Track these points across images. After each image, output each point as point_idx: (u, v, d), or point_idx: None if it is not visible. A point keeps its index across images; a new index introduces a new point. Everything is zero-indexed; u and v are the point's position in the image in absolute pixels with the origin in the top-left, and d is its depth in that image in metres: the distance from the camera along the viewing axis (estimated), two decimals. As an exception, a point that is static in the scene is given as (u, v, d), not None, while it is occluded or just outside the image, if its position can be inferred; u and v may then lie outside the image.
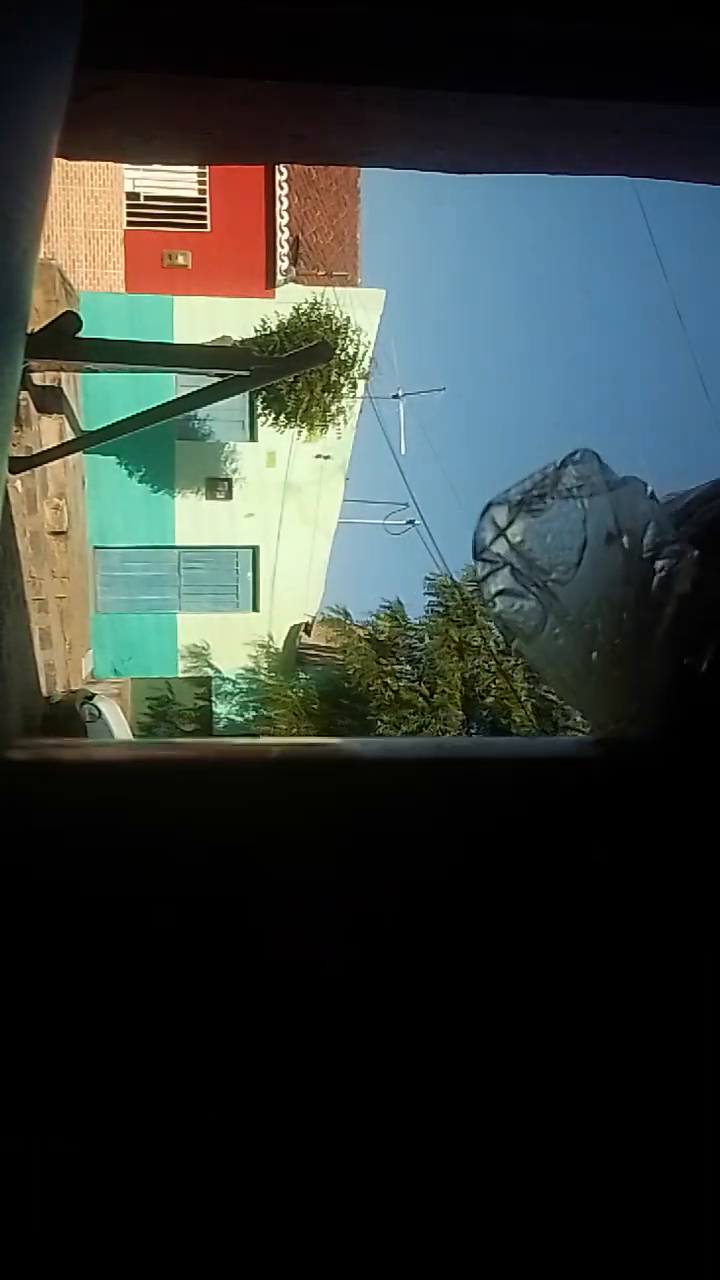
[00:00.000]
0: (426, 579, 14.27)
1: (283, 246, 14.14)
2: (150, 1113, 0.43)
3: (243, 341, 11.92)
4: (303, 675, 14.72)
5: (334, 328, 12.55)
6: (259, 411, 13.63)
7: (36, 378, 7.74)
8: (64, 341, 4.85)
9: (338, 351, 11.94)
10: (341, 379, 12.85)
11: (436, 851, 0.50)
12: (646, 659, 0.61)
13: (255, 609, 15.42)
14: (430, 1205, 0.55)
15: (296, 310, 12.81)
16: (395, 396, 15.74)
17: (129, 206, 13.85)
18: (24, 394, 7.51)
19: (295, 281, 14.10)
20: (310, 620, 15.27)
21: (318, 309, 12.85)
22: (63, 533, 10.10)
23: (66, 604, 10.55)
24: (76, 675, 11.52)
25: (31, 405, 8.07)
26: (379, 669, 13.31)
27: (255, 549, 15.26)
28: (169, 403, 6.38)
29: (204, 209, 14.14)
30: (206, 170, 12.92)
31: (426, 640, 13.74)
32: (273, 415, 13.20)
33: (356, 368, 13.08)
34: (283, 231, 14.12)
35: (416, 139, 1.15)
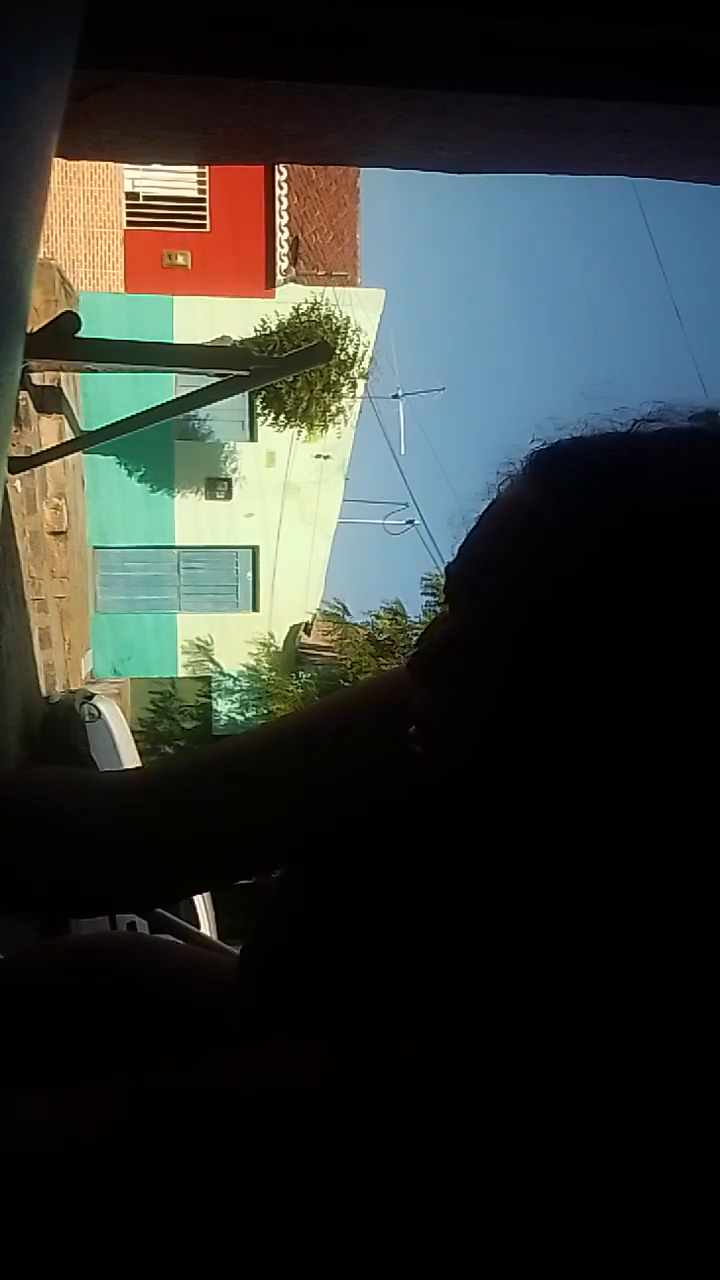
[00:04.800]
0: (423, 579, 14.28)
1: (282, 246, 14.14)
2: None
3: (243, 341, 11.91)
4: (303, 674, 14.73)
5: (334, 328, 12.55)
6: (259, 411, 13.63)
7: (36, 378, 7.73)
8: (63, 341, 4.84)
9: (337, 351, 11.93)
10: (341, 379, 12.84)
11: None
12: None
13: (255, 609, 15.41)
14: None
15: (296, 310, 12.81)
16: (395, 396, 15.75)
17: (129, 206, 13.84)
18: (23, 394, 7.50)
19: (295, 281, 14.10)
20: (310, 620, 15.28)
21: (317, 309, 12.84)
22: (62, 533, 10.09)
23: (66, 604, 10.54)
24: (76, 675, 11.51)
25: (31, 405, 8.06)
26: (379, 667, 13.32)
27: (255, 549, 15.25)
28: (169, 403, 6.37)
29: (204, 209, 14.14)
30: (206, 170, 12.92)
31: (426, 639, 13.72)
32: (272, 415, 13.20)
33: (356, 367, 13.08)
34: (282, 231, 14.12)
35: (416, 139, 1.14)
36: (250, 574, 15.40)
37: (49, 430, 8.91)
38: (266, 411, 13.26)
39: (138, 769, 0.94)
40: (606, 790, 0.55)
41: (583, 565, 0.54)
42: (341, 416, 13.37)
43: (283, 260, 14.18)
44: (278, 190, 13.94)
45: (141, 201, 13.92)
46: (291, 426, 13.25)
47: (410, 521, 14.94)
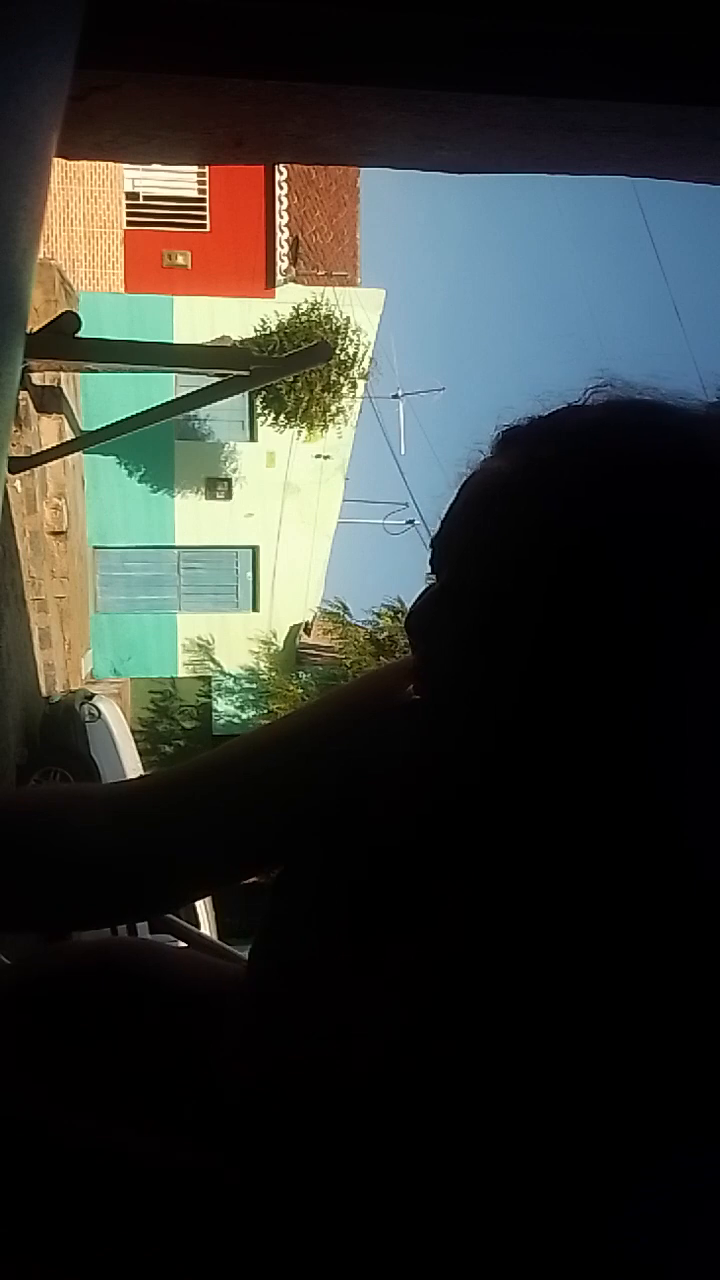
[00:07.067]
0: (426, 578, 14.26)
1: (282, 246, 14.14)
2: None
3: (243, 341, 11.91)
4: (303, 674, 14.73)
5: (334, 328, 12.54)
6: (259, 411, 13.62)
7: (36, 378, 7.73)
8: (63, 341, 4.84)
9: (337, 351, 11.93)
10: (341, 379, 12.84)
11: None
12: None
13: (255, 609, 15.41)
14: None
15: (296, 310, 12.81)
16: (395, 396, 15.74)
17: (129, 206, 13.84)
18: (24, 394, 7.50)
19: (295, 281, 14.09)
20: (310, 619, 15.27)
21: (317, 309, 12.84)
22: (62, 533, 10.09)
23: (66, 604, 10.54)
24: (76, 675, 11.51)
25: (31, 405, 8.06)
26: (379, 666, 13.31)
27: (255, 549, 15.25)
28: (169, 403, 6.37)
29: (204, 209, 14.13)
30: (206, 170, 12.91)
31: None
32: (272, 415, 13.20)
33: (356, 368, 13.07)
34: (282, 231, 14.12)
35: (416, 139, 1.14)
36: (250, 574, 15.40)
37: (49, 430, 8.91)
38: (266, 411, 13.25)
39: (137, 778, 0.96)
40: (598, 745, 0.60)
41: (553, 510, 0.62)
42: (341, 416, 13.36)
43: (283, 260, 14.18)
44: (278, 190, 13.93)
45: (141, 201, 13.91)
46: (291, 426, 13.24)
47: (410, 521, 14.93)
